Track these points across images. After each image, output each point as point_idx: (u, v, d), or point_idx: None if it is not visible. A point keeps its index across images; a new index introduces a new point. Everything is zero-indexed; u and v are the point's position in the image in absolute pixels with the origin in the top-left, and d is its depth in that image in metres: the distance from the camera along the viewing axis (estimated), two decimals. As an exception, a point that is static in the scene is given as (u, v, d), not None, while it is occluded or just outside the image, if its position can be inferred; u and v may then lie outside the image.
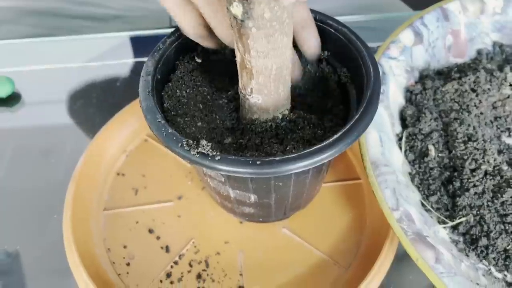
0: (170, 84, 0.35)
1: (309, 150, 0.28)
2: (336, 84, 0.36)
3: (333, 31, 0.35)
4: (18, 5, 0.60)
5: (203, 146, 0.28)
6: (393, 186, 0.37)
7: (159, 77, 0.34)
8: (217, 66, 0.37)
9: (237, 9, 0.26)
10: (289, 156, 0.28)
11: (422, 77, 0.47)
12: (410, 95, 0.45)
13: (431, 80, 0.46)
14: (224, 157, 0.28)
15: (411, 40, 0.47)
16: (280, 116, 0.33)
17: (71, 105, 0.50)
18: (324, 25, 0.35)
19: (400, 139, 0.42)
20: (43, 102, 0.52)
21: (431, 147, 0.41)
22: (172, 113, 0.34)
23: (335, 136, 0.29)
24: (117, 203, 0.42)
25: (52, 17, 0.61)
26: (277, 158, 0.28)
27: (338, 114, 0.35)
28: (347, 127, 0.29)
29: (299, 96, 0.36)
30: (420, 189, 0.40)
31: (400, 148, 0.42)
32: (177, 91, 0.35)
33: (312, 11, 0.36)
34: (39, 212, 0.42)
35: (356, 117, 0.29)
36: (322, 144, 0.28)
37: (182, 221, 0.41)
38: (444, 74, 0.48)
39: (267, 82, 0.30)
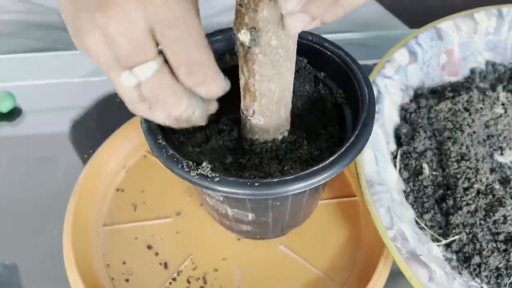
0: None
1: (306, 172, 0.29)
2: (332, 105, 0.37)
3: (329, 53, 0.36)
4: (22, 19, 0.60)
5: (203, 167, 0.29)
6: (387, 204, 0.38)
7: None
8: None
9: (244, 36, 0.27)
10: (287, 178, 0.29)
11: (417, 96, 0.48)
12: (404, 114, 0.46)
13: (425, 99, 0.47)
14: (223, 179, 0.29)
15: (406, 59, 0.48)
16: (280, 138, 0.34)
17: (71, 120, 0.51)
18: (320, 47, 0.36)
19: (395, 157, 0.43)
20: (44, 116, 0.53)
21: (425, 166, 0.42)
22: (174, 134, 0.35)
23: (331, 159, 0.29)
24: (116, 218, 0.43)
25: (56, 31, 0.61)
26: (275, 180, 0.28)
27: (334, 134, 0.36)
28: (342, 150, 0.30)
29: (297, 116, 0.37)
30: (415, 206, 0.41)
31: (395, 166, 0.43)
32: None
33: (309, 33, 0.37)
34: (38, 225, 0.42)
35: (351, 140, 0.30)
36: (319, 166, 0.29)
37: (181, 238, 0.41)
38: (438, 93, 0.49)
39: (270, 104, 0.31)
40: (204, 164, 0.29)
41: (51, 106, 0.53)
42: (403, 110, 0.46)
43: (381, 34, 0.60)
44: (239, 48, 0.28)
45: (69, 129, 0.51)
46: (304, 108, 0.38)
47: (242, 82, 0.31)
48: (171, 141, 0.34)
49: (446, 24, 0.50)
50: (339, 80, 0.37)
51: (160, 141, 0.31)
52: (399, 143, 0.44)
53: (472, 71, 0.51)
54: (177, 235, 0.41)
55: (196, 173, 0.29)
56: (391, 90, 0.46)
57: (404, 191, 0.42)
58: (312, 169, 0.29)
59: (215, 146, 0.35)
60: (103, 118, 0.51)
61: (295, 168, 0.32)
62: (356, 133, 0.31)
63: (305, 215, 0.39)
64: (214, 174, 0.29)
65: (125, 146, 0.46)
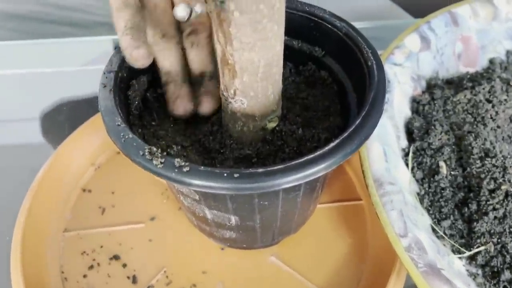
0: (135, 83, 0.29)
1: (299, 161, 0.23)
2: (333, 87, 0.31)
3: (329, 26, 0.31)
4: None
5: (170, 154, 0.23)
6: (400, 207, 0.31)
7: (125, 75, 0.28)
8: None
9: None
10: (275, 168, 0.22)
11: (430, 87, 0.42)
12: (417, 106, 0.40)
13: (440, 90, 0.41)
14: (194, 169, 0.23)
15: (417, 45, 0.42)
16: (269, 126, 0.28)
17: (42, 114, 0.45)
18: (318, 19, 0.31)
19: (406, 154, 0.37)
20: (13, 109, 0.47)
21: (442, 164, 0.36)
22: (142, 119, 0.29)
23: (332, 144, 0.23)
24: (80, 223, 0.36)
25: (34, 22, 0.57)
26: (260, 170, 0.22)
27: (336, 123, 0.30)
28: (346, 133, 0.24)
29: (290, 100, 0.31)
30: (431, 212, 0.34)
31: (407, 164, 0.36)
32: (147, 92, 0.30)
33: (304, 3, 0.31)
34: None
35: (357, 122, 0.24)
36: (316, 153, 0.23)
37: (154, 246, 0.35)
38: (455, 84, 0.43)
39: (254, 81, 0.25)
40: (173, 149, 0.23)
41: (20, 98, 0.47)
42: (415, 102, 0.40)
43: (386, 24, 0.54)
44: (211, 6, 0.23)
45: (40, 125, 0.45)
46: (299, 90, 0.32)
47: (218, 52, 0.25)
48: (137, 128, 0.28)
49: (462, 9, 0.45)
50: (341, 58, 0.31)
51: (119, 123, 0.25)
52: (411, 138, 0.38)
53: (492, 62, 0.45)
54: (150, 243, 0.35)
55: (160, 162, 0.23)
56: (401, 78, 0.40)
57: (418, 194, 0.35)
58: (307, 157, 0.23)
59: (190, 134, 0.29)
60: (75, 111, 0.45)
61: (288, 156, 0.26)
62: (363, 113, 0.25)
63: (301, 220, 0.33)
64: (183, 163, 0.23)
65: (95, 141, 0.40)
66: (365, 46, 0.28)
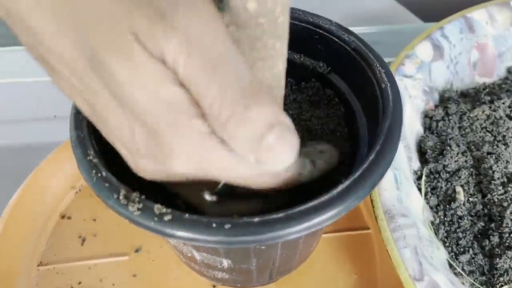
0: None
1: (302, 207, 0.19)
2: (340, 108, 0.28)
3: (335, 39, 0.27)
4: None
5: (148, 197, 0.20)
6: (414, 244, 0.28)
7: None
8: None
9: None
10: (273, 216, 0.19)
11: (443, 100, 0.39)
12: (429, 122, 0.36)
13: (455, 104, 0.37)
14: (177, 217, 0.19)
15: (429, 54, 0.38)
16: None
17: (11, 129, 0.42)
18: (323, 31, 0.27)
19: (419, 177, 0.33)
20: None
21: (459, 189, 0.32)
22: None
23: (341, 187, 0.20)
24: (57, 255, 0.33)
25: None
26: (256, 220, 0.19)
27: (343, 149, 0.26)
28: (359, 172, 0.20)
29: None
30: (447, 244, 0.31)
31: (420, 189, 0.33)
32: None
33: (307, 12, 0.27)
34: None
35: (371, 158, 0.21)
36: (322, 198, 0.19)
37: (138, 282, 0.31)
38: (470, 97, 0.39)
39: None
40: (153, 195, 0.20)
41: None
42: (428, 118, 0.37)
43: (394, 29, 0.51)
44: None
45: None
46: (301, 112, 0.28)
47: None
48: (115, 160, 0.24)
49: (478, 13, 0.41)
50: (349, 76, 0.27)
51: (91, 157, 0.21)
52: (423, 159, 0.35)
53: (510, 71, 0.42)
54: (134, 279, 0.31)
55: (138, 208, 0.19)
56: (412, 92, 0.36)
57: (433, 223, 0.32)
58: (311, 204, 0.19)
59: None
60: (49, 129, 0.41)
61: (283, 194, 0.23)
62: (377, 148, 0.21)
63: (302, 258, 0.29)
64: (164, 210, 0.19)
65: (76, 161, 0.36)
66: (378, 65, 0.24)
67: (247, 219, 0.19)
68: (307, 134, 0.27)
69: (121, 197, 0.20)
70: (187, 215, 0.19)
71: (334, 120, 0.28)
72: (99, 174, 0.21)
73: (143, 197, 0.20)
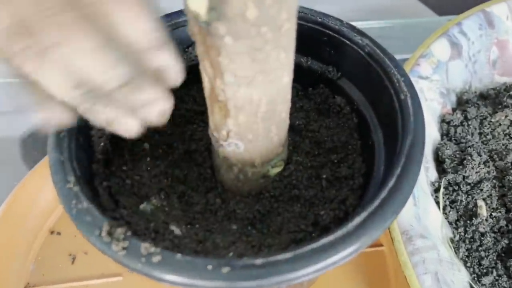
0: None
1: (312, 246, 0.16)
2: (352, 119, 0.25)
3: (347, 42, 0.24)
4: None
5: (135, 234, 0.17)
6: (434, 269, 0.25)
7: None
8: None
9: (198, 3, 0.15)
10: (279, 257, 0.16)
11: (461, 102, 0.36)
12: (447, 127, 0.34)
13: (474, 107, 0.34)
14: (168, 258, 0.16)
15: (446, 53, 0.36)
16: (272, 172, 0.22)
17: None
18: (335, 33, 0.24)
19: (436, 190, 0.31)
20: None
21: (481, 203, 0.30)
22: (111, 165, 0.22)
23: (356, 220, 0.17)
24: (45, 276, 0.30)
25: None
26: (258, 262, 0.16)
27: (356, 167, 0.23)
28: (378, 201, 0.17)
29: (297, 133, 0.25)
30: (468, 264, 0.28)
31: (437, 203, 0.30)
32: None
33: (316, 12, 0.24)
34: None
35: (391, 184, 0.18)
36: (336, 234, 0.17)
37: (133, 306, 0.29)
38: (491, 99, 0.36)
39: (252, 122, 0.19)
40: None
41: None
42: (445, 123, 0.34)
43: (407, 23, 0.48)
44: (194, 28, 0.16)
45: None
46: (308, 121, 0.26)
47: (206, 86, 0.19)
48: (106, 175, 0.22)
49: (498, 8, 0.38)
50: (363, 83, 0.24)
51: (72, 185, 0.19)
52: (441, 169, 0.32)
53: (532, 70, 0.39)
54: (128, 302, 0.29)
55: (122, 247, 0.17)
56: (428, 95, 0.34)
57: (452, 240, 0.29)
58: (322, 242, 0.16)
59: (178, 185, 0.23)
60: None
61: (294, 224, 0.20)
62: (398, 172, 0.18)
63: (310, 284, 0.27)
64: (153, 249, 0.16)
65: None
66: (396, 72, 0.22)
67: (248, 260, 0.16)
68: (316, 147, 0.25)
69: (103, 234, 0.17)
70: (179, 255, 0.16)
71: (345, 131, 0.25)
72: (79, 206, 0.18)
73: (128, 233, 0.17)
